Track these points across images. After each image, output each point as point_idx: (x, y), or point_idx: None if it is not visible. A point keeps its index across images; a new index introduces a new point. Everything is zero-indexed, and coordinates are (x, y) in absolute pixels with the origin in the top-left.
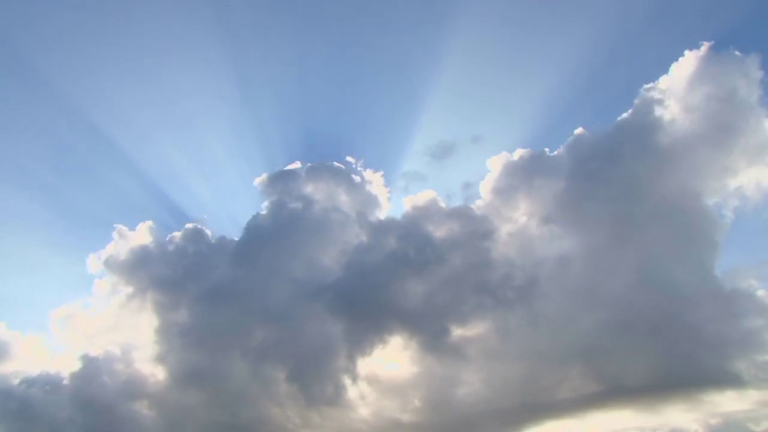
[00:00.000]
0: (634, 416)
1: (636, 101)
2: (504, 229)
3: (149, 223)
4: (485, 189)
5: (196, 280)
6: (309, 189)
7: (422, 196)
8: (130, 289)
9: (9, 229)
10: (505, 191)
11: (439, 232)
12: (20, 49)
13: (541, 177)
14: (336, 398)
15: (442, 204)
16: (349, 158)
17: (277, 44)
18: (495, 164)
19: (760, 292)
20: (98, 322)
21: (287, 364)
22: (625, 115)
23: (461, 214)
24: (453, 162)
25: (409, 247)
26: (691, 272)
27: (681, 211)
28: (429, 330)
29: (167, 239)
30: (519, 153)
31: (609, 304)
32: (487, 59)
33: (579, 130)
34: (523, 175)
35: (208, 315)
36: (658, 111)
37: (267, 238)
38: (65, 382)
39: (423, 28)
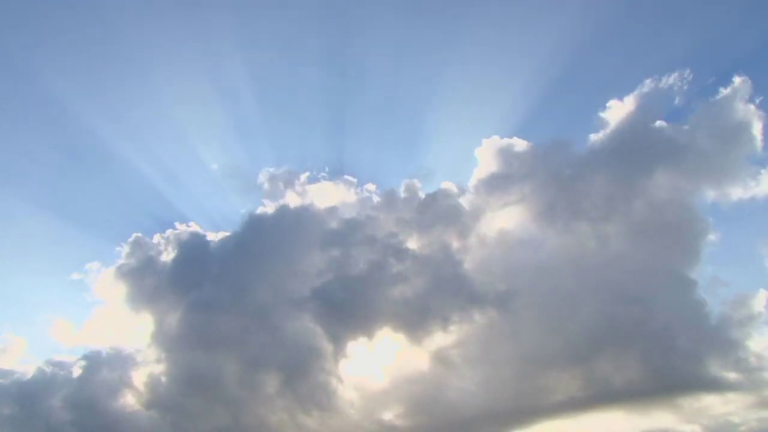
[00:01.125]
0: (626, 418)
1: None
2: (491, 228)
3: (140, 229)
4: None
5: (189, 284)
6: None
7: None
8: (123, 294)
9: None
10: (493, 179)
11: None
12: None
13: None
14: (329, 403)
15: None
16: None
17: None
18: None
19: (745, 300)
20: (92, 326)
21: (280, 370)
22: (615, 119)
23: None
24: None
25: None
26: (675, 280)
27: (668, 217)
28: (420, 333)
29: (158, 241)
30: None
31: (596, 308)
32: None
33: None
34: (513, 163)
35: (200, 319)
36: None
37: (257, 240)
38: (59, 384)
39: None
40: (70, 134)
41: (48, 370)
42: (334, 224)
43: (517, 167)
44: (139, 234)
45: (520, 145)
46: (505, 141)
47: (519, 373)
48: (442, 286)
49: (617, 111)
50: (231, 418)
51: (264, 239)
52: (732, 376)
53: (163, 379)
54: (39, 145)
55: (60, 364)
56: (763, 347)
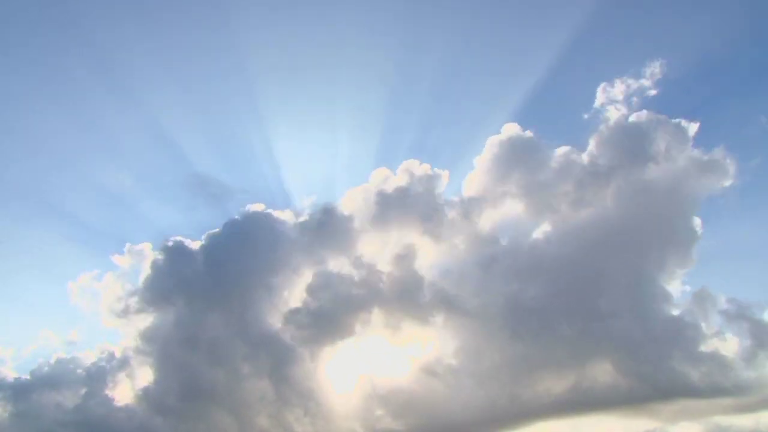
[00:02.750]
0: (618, 421)
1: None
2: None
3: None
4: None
5: (177, 292)
6: None
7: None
8: (115, 302)
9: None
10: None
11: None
12: None
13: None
14: (320, 409)
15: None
16: None
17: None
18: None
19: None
20: (85, 333)
21: (269, 378)
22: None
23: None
24: None
25: None
26: (656, 288)
27: (660, 218)
28: (406, 340)
29: (151, 250)
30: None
31: (587, 312)
32: None
33: None
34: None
35: (188, 327)
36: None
37: (240, 248)
38: (53, 389)
39: None
40: (61, 140)
41: (42, 374)
42: (323, 227)
43: (509, 168)
44: (132, 244)
45: (515, 140)
46: (499, 136)
47: (508, 377)
48: (421, 292)
49: (608, 105)
50: (223, 424)
51: (246, 246)
52: (718, 381)
53: (151, 386)
54: (35, 150)
55: (55, 368)
56: (743, 351)
